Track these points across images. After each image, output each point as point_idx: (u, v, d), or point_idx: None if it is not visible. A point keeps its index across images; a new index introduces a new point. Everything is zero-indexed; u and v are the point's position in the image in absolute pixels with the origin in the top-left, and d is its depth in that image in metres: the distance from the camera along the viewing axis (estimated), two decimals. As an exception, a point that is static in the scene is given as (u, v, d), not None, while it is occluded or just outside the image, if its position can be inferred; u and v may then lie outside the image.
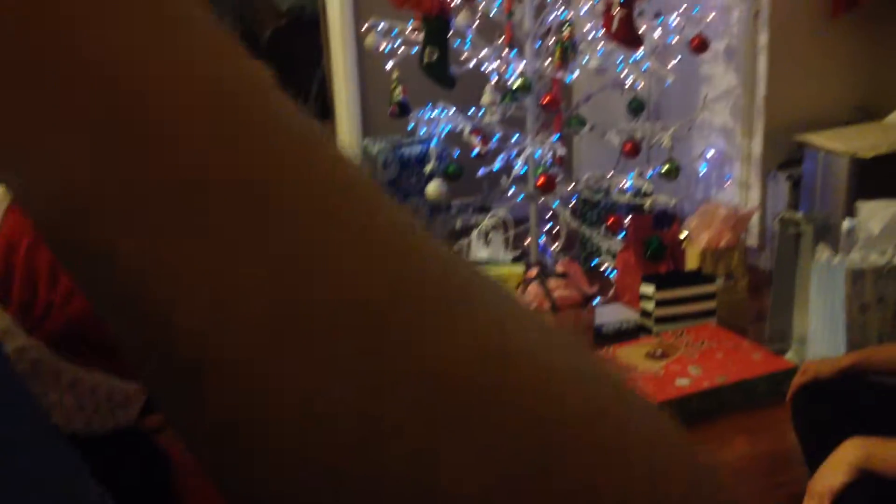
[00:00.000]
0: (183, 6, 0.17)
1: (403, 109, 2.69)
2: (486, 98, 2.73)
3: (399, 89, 2.68)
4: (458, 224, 2.98)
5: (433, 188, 2.72)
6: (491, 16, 2.77)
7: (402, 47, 2.70)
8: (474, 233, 2.63)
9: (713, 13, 2.83)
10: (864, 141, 2.66)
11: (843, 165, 2.63)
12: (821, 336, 2.15)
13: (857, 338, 2.04)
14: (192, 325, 0.16)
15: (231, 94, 0.17)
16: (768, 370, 2.13)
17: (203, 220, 0.16)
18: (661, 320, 2.49)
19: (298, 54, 5.24)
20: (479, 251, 2.63)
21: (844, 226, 2.26)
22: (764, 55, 2.78)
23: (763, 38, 2.77)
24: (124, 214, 0.16)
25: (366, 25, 2.74)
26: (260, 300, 0.16)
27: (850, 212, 2.34)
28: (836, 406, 1.64)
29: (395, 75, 2.68)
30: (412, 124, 2.80)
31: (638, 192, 3.10)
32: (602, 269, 2.97)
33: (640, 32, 2.62)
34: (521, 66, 2.73)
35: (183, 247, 0.16)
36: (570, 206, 3.16)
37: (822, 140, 2.72)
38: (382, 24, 2.73)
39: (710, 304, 2.49)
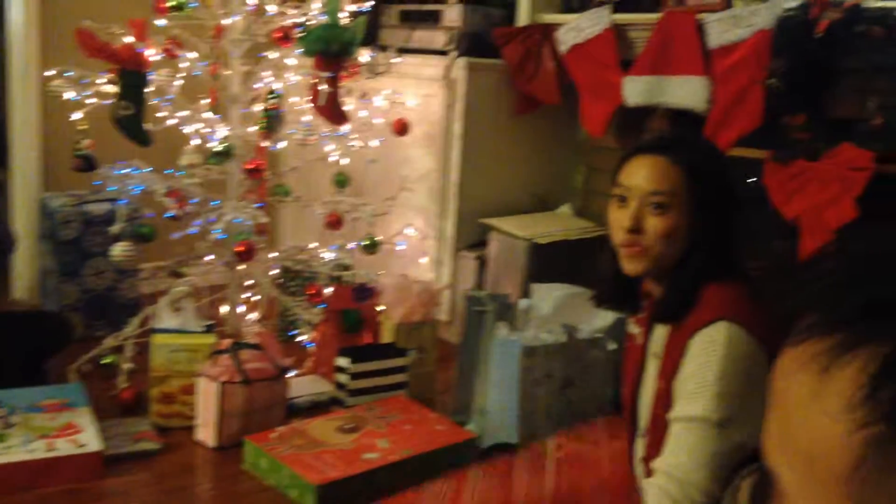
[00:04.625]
0: None
1: (88, 164, 2.47)
2: (185, 160, 2.61)
3: (85, 142, 2.47)
4: (148, 289, 2.79)
5: (119, 250, 2.52)
6: (196, 76, 2.68)
7: (93, 98, 2.51)
8: (162, 299, 2.46)
9: (415, 100, 3.01)
10: (540, 228, 2.94)
11: (521, 249, 2.88)
12: (498, 407, 2.29)
13: (528, 409, 2.20)
14: None
15: None
16: (450, 441, 2.21)
17: None
18: (355, 393, 2.50)
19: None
20: (168, 319, 2.46)
21: (521, 305, 2.46)
22: (458, 144, 2.99)
23: (457, 128, 2.99)
24: None
25: (52, 71, 2.50)
26: None
27: (528, 292, 2.55)
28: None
29: (81, 127, 2.46)
30: (99, 181, 2.59)
31: (339, 265, 3.14)
32: (301, 341, 2.94)
33: (346, 110, 2.69)
34: (226, 131, 2.66)
35: None
36: (271, 274, 3.10)
37: (504, 225, 2.96)
38: (72, 72, 2.51)
39: (402, 377, 2.56)
